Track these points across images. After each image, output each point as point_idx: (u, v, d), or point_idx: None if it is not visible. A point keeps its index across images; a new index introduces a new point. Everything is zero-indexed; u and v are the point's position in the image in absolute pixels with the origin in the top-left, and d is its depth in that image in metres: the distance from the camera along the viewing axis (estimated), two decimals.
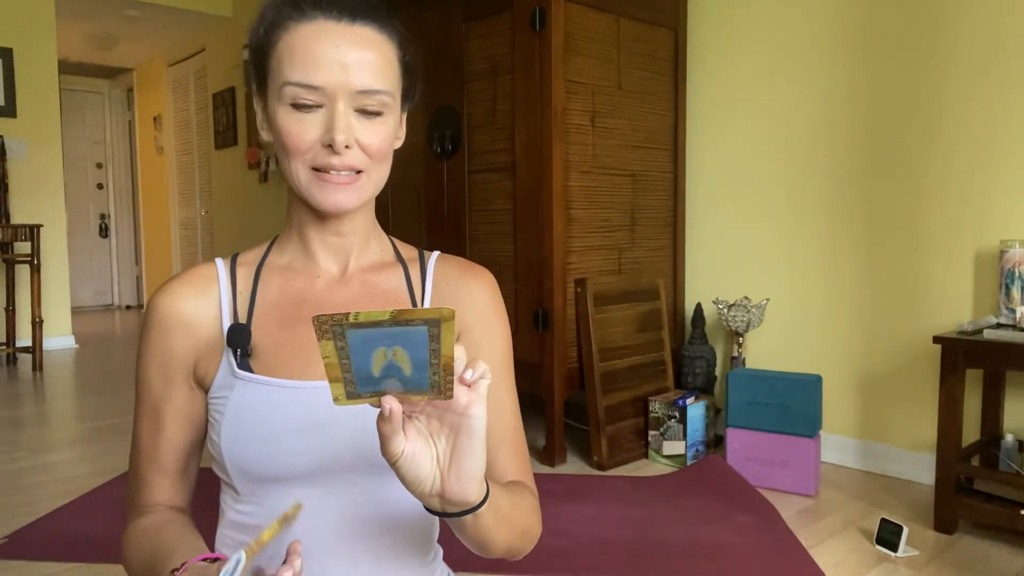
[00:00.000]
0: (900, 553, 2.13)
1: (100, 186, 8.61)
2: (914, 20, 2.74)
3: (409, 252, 0.96)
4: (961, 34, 2.63)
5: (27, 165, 5.36)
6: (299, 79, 0.79)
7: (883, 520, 2.22)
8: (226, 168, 6.64)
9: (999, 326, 2.35)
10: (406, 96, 0.89)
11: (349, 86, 0.80)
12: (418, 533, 0.89)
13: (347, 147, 0.81)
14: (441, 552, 0.95)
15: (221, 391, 0.85)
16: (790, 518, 2.40)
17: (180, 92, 7.44)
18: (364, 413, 0.81)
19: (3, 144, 5.12)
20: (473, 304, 0.90)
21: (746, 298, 3.15)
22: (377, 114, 0.83)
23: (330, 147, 0.80)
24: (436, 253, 0.96)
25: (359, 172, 0.84)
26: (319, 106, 0.80)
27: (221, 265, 0.91)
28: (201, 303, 0.88)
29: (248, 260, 0.92)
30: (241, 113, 6.30)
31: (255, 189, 6.21)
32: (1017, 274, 2.39)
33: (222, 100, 6.57)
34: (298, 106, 0.80)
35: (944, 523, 2.28)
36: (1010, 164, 2.55)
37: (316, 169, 0.82)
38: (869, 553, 2.16)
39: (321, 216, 0.87)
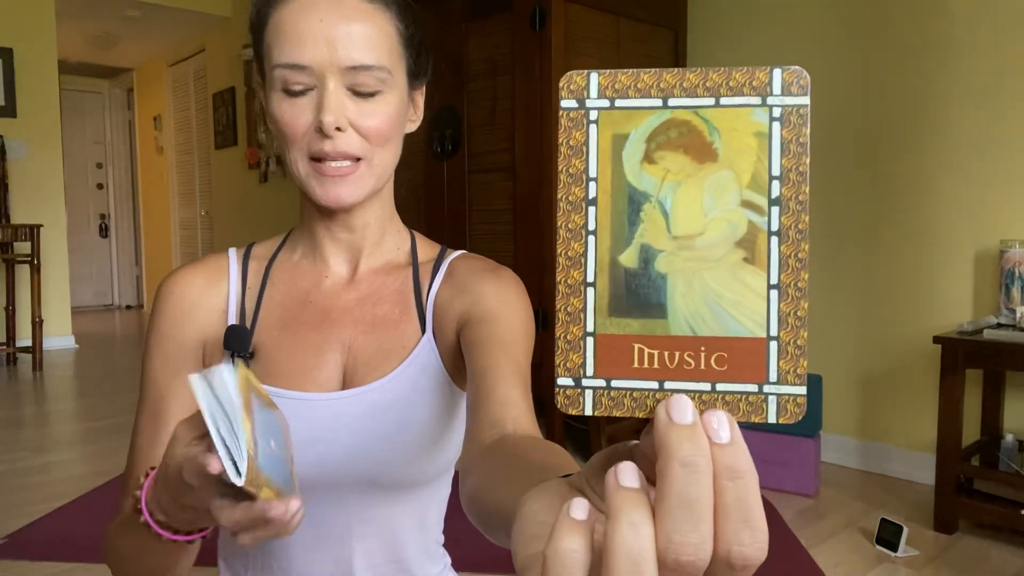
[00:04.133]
0: (900, 553, 2.13)
1: (100, 186, 8.61)
2: (915, 21, 2.74)
3: (429, 251, 0.89)
4: (962, 35, 2.63)
5: (27, 165, 5.36)
6: (286, 60, 0.74)
7: (883, 520, 2.22)
8: (226, 168, 6.64)
9: (999, 326, 2.35)
10: (415, 72, 0.82)
11: (337, 62, 0.74)
12: (418, 547, 0.86)
13: (339, 129, 0.74)
14: (449, 560, 0.93)
15: None
16: (790, 518, 2.40)
17: (180, 92, 7.43)
18: (356, 429, 0.79)
19: (3, 144, 5.12)
20: (496, 294, 0.80)
21: None
22: (372, 93, 0.76)
23: (322, 131, 0.74)
24: (458, 252, 0.88)
25: (358, 160, 0.77)
26: (310, 88, 0.75)
27: (233, 257, 0.87)
28: (210, 293, 0.83)
29: (261, 254, 0.88)
30: (241, 113, 6.30)
31: (255, 189, 6.21)
32: (1017, 274, 2.39)
33: (222, 100, 6.56)
34: (289, 90, 0.75)
35: (944, 523, 2.28)
36: (1010, 165, 2.55)
37: (314, 159, 0.76)
38: (869, 553, 2.16)
39: (327, 211, 0.82)
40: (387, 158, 0.80)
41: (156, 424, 0.82)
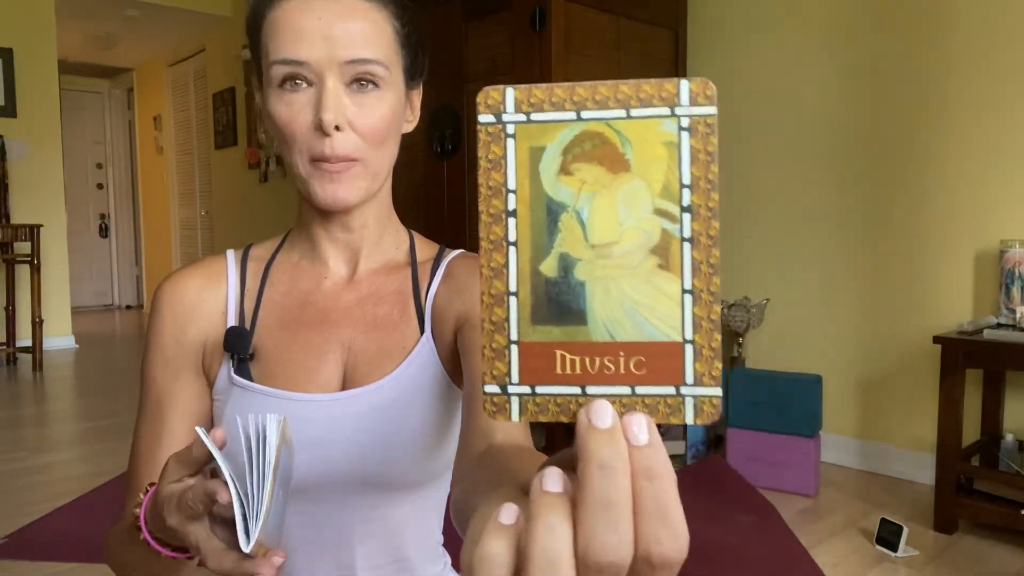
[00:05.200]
0: (900, 553, 2.13)
1: (100, 186, 8.61)
2: (915, 21, 2.74)
3: (428, 251, 0.89)
4: (962, 35, 2.63)
5: (27, 165, 5.36)
6: (284, 56, 0.74)
7: (883, 520, 2.22)
8: (226, 168, 6.64)
9: (999, 326, 2.35)
10: (411, 72, 0.82)
11: (335, 58, 0.74)
12: (420, 546, 0.87)
13: (338, 128, 0.75)
14: (449, 559, 0.93)
15: (220, 394, 0.82)
16: (790, 518, 2.40)
17: (180, 92, 7.43)
18: (357, 430, 0.79)
19: (3, 144, 5.12)
20: None
21: (746, 298, 3.15)
22: (371, 88, 0.77)
23: (321, 130, 0.75)
24: (456, 252, 0.88)
25: (354, 160, 0.77)
26: (308, 85, 0.75)
27: (231, 259, 0.87)
28: (209, 295, 0.83)
29: (259, 255, 0.88)
30: (241, 113, 6.30)
31: (255, 189, 6.21)
32: (1017, 274, 2.39)
33: (222, 100, 6.56)
34: (287, 87, 0.75)
35: (944, 523, 2.28)
36: (1010, 164, 2.55)
37: (314, 160, 0.77)
38: (869, 553, 2.16)
39: (326, 211, 0.82)
40: (384, 158, 0.81)
41: (156, 427, 0.82)
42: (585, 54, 2.92)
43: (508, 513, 0.29)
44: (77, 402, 4.22)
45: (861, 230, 2.92)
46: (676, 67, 3.32)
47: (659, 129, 0.31)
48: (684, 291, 0.30)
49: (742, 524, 2.33)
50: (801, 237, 3.09)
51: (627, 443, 0.28)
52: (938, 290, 2.72)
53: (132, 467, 0.82)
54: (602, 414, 0.28)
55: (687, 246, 0.30)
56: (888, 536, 2.17)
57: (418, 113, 0.87)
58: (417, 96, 0.86)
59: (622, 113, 0.31)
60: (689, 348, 0.30)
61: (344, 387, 0.82)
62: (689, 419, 0.31)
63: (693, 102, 0.31)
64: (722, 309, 3.13)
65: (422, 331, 0.82)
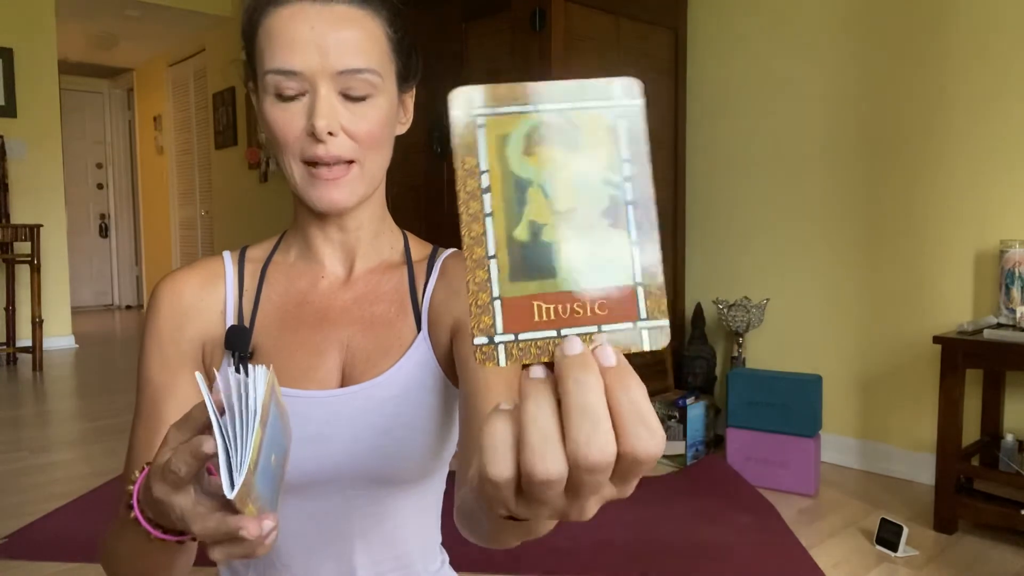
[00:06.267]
0: (900, 553, 2.13)
1: (100, 186, 8.60)
2: (915, 21, 2.74)
3: (422, 250, 0.90)
4: (961, 35, 2.63)
5: (27, 165, 5.36)
6: (277, 66, 0.76)
7: (883, 520, 2.22)
8: (226, 168, 6.64)
9: (999, 326, 2.35)
10: (404, 76, 0.84)
11: (328, 68, 0.75)
12: (419, 543, 0.87)
13: (331, 134, 0.76)
14: (447, 558, 0.94)
15: None
16: (790, 518, 2.40)
17: (180, 92, 7.43)
18: (356, 425, 0.80)
19: (3, 144, 5.12)
20: None
21: (746, 298, 3.14)
22: (363, 97, 0.78)
23: (314, 136, 0.76)
24: (450, 251, 0.89)
25: (351, 162, 0.79)
26: (302, 93, 0.76)
27: (228, 260, 0.88)
28: (208, 295, 0.84)
29: (256, 256, 0.89)
30: (241, 113, 6.30)
31: (255, 189, 6.21)
32: (1017, 274, 2.39)
33: (222, 100, 6.56)
34: (281, 96, 0.77)
35: (944, 523, 2.28)
36: (1010, 164, 2.55)
37: (307, 163, 0.78)
38: (869, 553, 2.16)
39: (321, 213, 0.83)
40: (379, 161, 0.82)
41: (153, 426, 0.81)
42: (585, 54, 2.92)
43: (506, 403, 0.35)
44: (77, 402, 4.22)
45: (861, 230, 2.92)
46: (676, 67, 3.32)
47: (601, 117, 0.38)
48: (631, 244, 0.37)
49: (742, 524, 2.33)
50: (801, 237, 3.09)
51: (600, 367, 0.33)
52: (938, 290, 2.72)
53: (128, 466, 0.81)
54: (572, 345, 0.34)
55: (631, 208, 0.37)
56: (888, 536, 2.17)
57: (411, 115, 0.88)
58: (410, 98, 0.87)
59: (571, 105, 0.37)
60: (640, 290, 0.37)
61: (343, 384, 0.82)
62: (646, 346, 0.37)
63: (626, 95, 0.38)
64: (722, 309, 3.14)
65: (419, 329, 0.83)
